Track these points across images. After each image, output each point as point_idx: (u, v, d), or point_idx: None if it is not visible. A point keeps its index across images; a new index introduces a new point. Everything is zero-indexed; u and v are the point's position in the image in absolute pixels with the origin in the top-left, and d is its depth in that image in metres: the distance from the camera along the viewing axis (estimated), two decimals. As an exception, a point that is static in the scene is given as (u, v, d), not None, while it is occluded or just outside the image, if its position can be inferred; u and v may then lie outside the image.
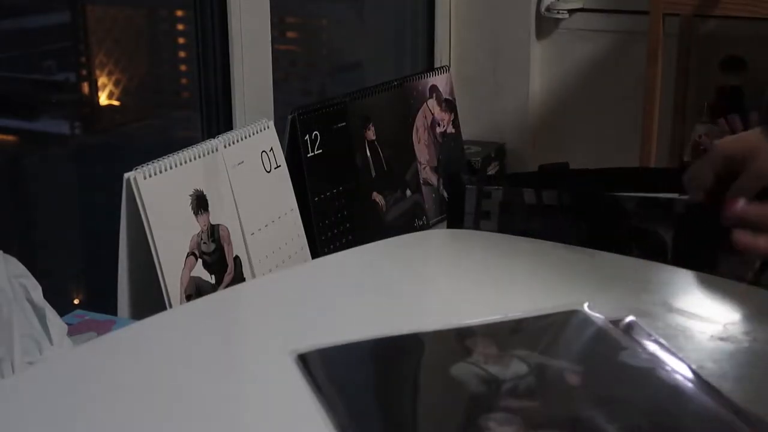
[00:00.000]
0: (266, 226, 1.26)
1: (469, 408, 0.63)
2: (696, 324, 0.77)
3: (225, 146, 1.20)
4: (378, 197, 1.57)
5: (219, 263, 1.17)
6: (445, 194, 1.71)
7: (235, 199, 1.20)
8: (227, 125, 1.44)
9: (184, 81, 1.56)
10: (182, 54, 1.54)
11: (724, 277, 0.86)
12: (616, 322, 0.74)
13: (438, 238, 1.07)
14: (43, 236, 1.30)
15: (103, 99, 1.39)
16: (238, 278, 1.20)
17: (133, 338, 0.78)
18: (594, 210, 0.98)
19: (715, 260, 0.92)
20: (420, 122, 1.71)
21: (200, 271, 1.13)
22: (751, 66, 1.82)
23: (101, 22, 1.41)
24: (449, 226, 1.06)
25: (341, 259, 0.95)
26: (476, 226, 1.02)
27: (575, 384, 0.66)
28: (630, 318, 0.74)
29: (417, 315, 0.80)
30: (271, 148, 1.29)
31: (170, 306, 1.05)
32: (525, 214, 1.00)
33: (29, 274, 0.87)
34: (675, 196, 0.94)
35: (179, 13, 1.51)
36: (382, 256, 0.94)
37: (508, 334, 0.74)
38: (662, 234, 0.95)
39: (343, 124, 1.49)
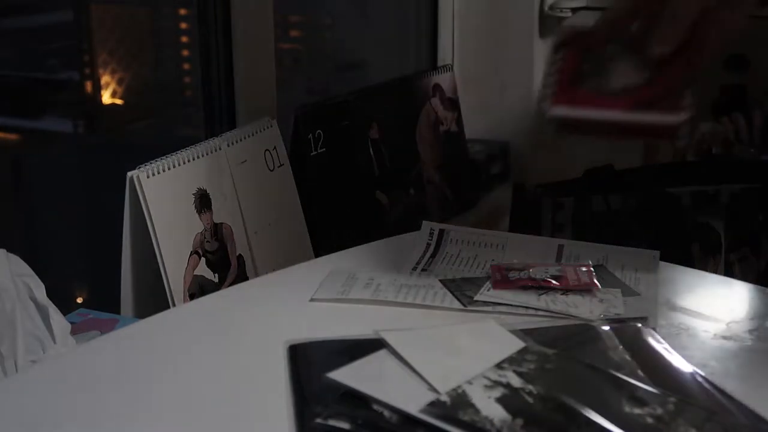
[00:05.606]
0: (269, 224, 1.26)
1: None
2: (699, 323, 0.76)
3: (228, 145, 1.20)
4: (381, 196, 1.57)
5: (222, 262, 1.17)
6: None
7: (238, 198, 1.20)
8: (230, 124, 1.44)
9: (186, 79, 1.56)
10: (185, 52, 1.54)
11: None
12: (623, 329, 0.73)
13: (441, 237, 1.07)
14: (47, 235, 1.30)
15: (106, 97, 1.39)
16: (242, 277, 1.20)
17: (136, 336, 0.78)
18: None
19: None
20: (423, 121, 1.71)
21: (203, 269, 1.13)
22: (755, 64, 1.82)
23: (104, 21, 1.41)
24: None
25: (344, 258, 0.95)
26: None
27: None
28: (639, 324, 0.74)
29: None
30: (275, 147, 1.29)
31: (173, 304, 1.05)
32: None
33: (33, 272, 0.87)
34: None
35: (182, 11, 1.51)
36: (384, 256, 0.94)
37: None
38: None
39: (347, 122, 1.49)
